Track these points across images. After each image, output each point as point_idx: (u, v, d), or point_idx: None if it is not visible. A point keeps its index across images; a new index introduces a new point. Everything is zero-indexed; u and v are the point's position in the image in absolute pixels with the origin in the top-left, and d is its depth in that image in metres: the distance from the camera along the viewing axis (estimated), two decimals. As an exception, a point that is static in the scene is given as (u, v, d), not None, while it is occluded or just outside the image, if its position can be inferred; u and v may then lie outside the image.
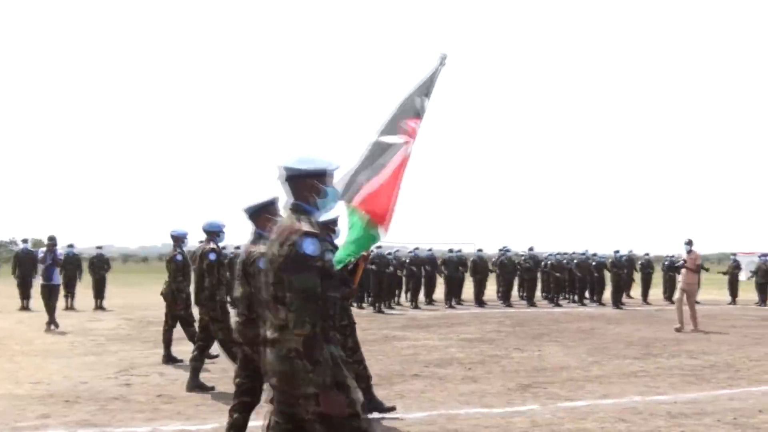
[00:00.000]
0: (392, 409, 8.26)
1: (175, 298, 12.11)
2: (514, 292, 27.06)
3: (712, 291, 30.21)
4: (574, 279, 26.98)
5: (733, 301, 27.42)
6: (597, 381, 10.46)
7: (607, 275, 26.33)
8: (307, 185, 4.24)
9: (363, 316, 20.51)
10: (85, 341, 14.71)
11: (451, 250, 26.70)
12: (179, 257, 12.22)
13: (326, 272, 4.07)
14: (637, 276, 28.45)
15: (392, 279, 24.13)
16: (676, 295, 19.43)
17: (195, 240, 13.76)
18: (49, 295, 17.10)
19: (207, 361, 10.53)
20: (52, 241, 17.48)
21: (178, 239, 12.48)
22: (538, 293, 27.17)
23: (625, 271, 26.67)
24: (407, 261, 25.21)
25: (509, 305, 25.05)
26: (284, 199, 4.47)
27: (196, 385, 9.71)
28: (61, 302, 17.26)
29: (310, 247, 3.99)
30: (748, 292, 28.17)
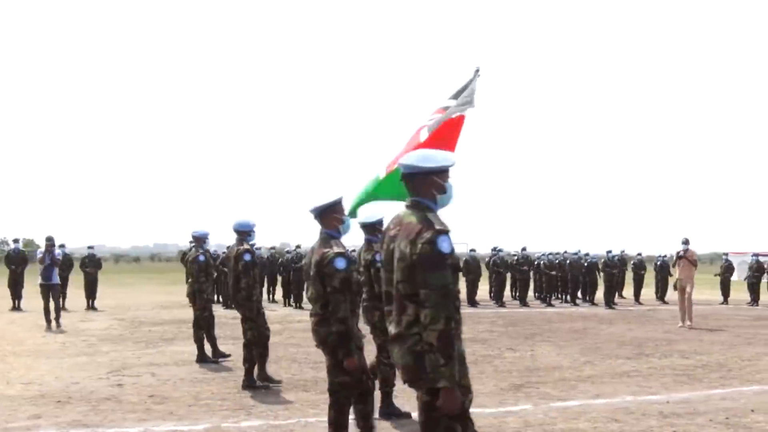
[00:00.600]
0: (407, 415, 8.10)
1: (195, 298, 12.19)
2: (507, 292, 27.10)
3: (705, 291, 30.26)
4: (566, 279, 27.01)
5: (725, 301, 27.50)
6: (589, 381, 10.47)
7: (600, 275, 26.40)
8: (429, 182, 4.28)
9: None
10: (77, 341, 14.68)
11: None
12: (202, 257, 12.33)
13: (456, 268, 4.13)
14: (630, 276, 28.51)
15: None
16: (677, 294, 19.38)
17: (174, 240, 13.81)
18: (49, 295, 17.20)
19: (273, 358, 10.93)
20: (50, 241, 17.51)
21: (200, 239, 12.57)
22: (531, 293, 27.17)
23: (617, 271, 26.75)
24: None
25: (502, 305, 25.07)
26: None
27: (264, 378, 9.96)
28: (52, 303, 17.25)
29: (444, 244, 4.06)
30: (741, 292, 28.26)
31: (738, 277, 31.92)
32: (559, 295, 27.42)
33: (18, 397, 9.17)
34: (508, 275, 27.30)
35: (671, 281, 28.15)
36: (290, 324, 18.00)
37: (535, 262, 27.41)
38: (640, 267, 28.87)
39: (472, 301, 25.21)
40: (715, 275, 28.92)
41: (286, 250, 27.94)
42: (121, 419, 8.09)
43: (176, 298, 24.65)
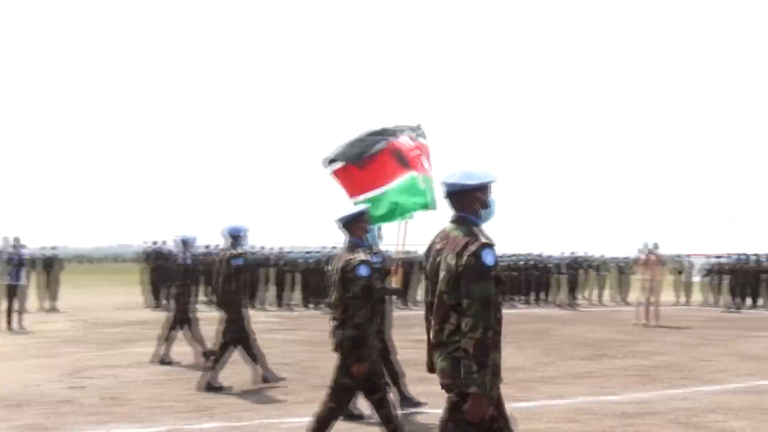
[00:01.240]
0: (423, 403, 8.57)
1: (178, 299, 12.31)
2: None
3: (666, 292, 30.51)
4: (529, 280, 27.12)
5: (686, 302, 27.77)
6: (550, 381, 10.53)
7: (562, 277, 26.56)
8: (473, 198, 4.46)
9: (318, 317, 20.48)
10: (37, 343, 14.53)
11: (407, 252, 26.71)
12: (188, 260, 12.43)
13: (498, 280, 4.27)
14: (591, 277, 28.70)
15: (320, 282, 24.07)
16: (641, 295, 19.77)
17: (137, 241, 13.82)
18: (13, 296, 17.11)
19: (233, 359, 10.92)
20: (17, 242, 17.39)
21: (186, 243, 12.67)
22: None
23: (579, 273, 26.92)
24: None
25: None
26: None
27: (266, 378, 10.10)
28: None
29: (488, 257, 4.23)
30: (698, 293, 28.57)
31: (697, 278, 32.21)
32: (521, 297, 27.54)
33: (-25, 400, 9.06)
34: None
35: (634, 282, 28.46)
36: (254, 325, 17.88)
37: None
38: (602, 269, 29.09)
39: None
40: (677, 275, 29.18)
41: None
42: (81, 422, 8.02)
43: (137, 299, 24.46)
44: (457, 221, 4.46)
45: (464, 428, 4.27)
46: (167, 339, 12.08)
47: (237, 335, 10.04)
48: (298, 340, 15.16)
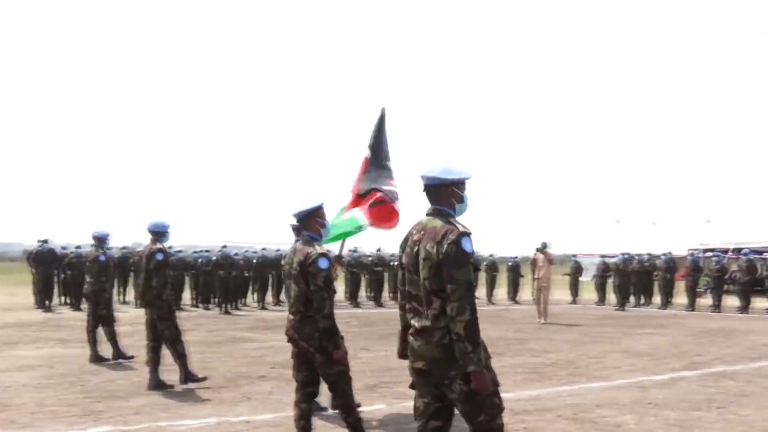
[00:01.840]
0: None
1: (98, 298, 12.26)
2: (362, 292, 27.20)
3: (555, 291, 31.11)
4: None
5: (575, 301, 28.40)
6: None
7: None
8: (449, 192, 4.76)
9: (209, 317, 20.22)
10: None
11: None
12: (102, 257, 12.46)
13: (475, 266, 4.60)
14: (483, 277, 29.05)
15: (239, 280, 23.88)
16: (536, 291, 20.28)
17: (19, 239, 13.56)
18: None
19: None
20: None
21: (101, 240, 12.71)
22: (386, 293, 27.36)
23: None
24: (255, 261, 24.97)
25: (357, 306, 25.16)
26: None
27: (157, 384, 9.80)
28: None
29: (467, 245, 4.53)
30: (589, 292, 29.23)
31: (586, 277, 33.04)
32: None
33: None
34: (363, 275, 27.41)
35: (524, 282, 28.98)
36: (141, 325, 17.51)
37: (390, 263, 27.63)
38: (492, 268, 29.50)
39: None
40: (565, 275, 29.82)
41: (138, 249, 27.11)
42: (-42, 428, 7.68)
43: (21, 300, 23.70)
44: (434, 213, 4.74)
45: (488, 401, 4.57)
46: (93, 340, 12.07)
47: (174, 331, 10.03)
48: (189, 341, 14.83)
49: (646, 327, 18.57)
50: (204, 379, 10.11)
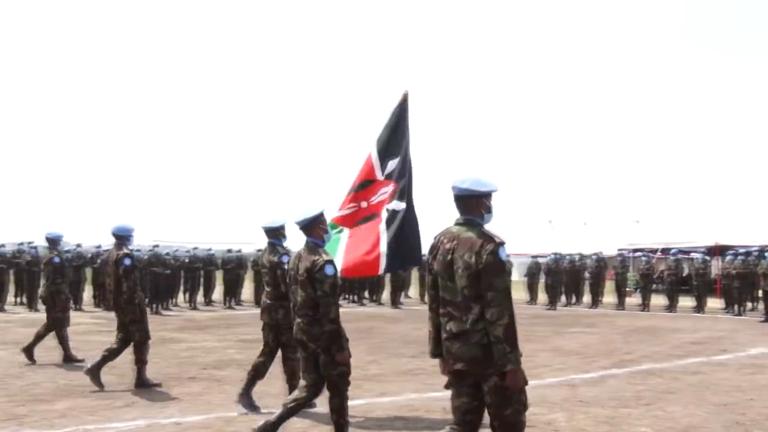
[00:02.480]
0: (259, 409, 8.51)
1: (54, 300, 12.13)
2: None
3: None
4: (354, 279, 27.20)
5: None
6: (375, 380, 10.57)
7: (387, 276, 26.80)
8: (480, 203, 5.08)
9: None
10: None
11: (230, 250, 26.40)
12: (56, 259, 12.40)
13: (509, 273, 4.53)
14: (415, 276, 29.11)
15: (169, 279, 23.54)
16: None
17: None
18: None
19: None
20: None
21: (54, 241, 12.61)
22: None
23: (404, 272, 27.23)
24: (186, 261, 24.69)
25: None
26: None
27: (143, 384, 9.85)
28: None
29: (503, 254, 4.87)
30: (520, 292, 29.48)
31: (517, 277, 33.31)
32: (347, 295, 27.64)
33: None
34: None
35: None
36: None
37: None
38: (424, 268, 29.49)
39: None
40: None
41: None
42: None
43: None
44: (466, 223, 5.06)
45: (516, 398, 4.93)
46: (61, 340, 11.98)
47: (144, 335, 10.01)
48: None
49: (575, 326, 18.79)
50: (159, 384, 9.98)
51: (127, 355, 10.33)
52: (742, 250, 24.67)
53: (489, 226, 5.12)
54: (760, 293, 22.62)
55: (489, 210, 5.13)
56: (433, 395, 9.43)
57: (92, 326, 17.29)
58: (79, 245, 25.36)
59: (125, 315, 10.00)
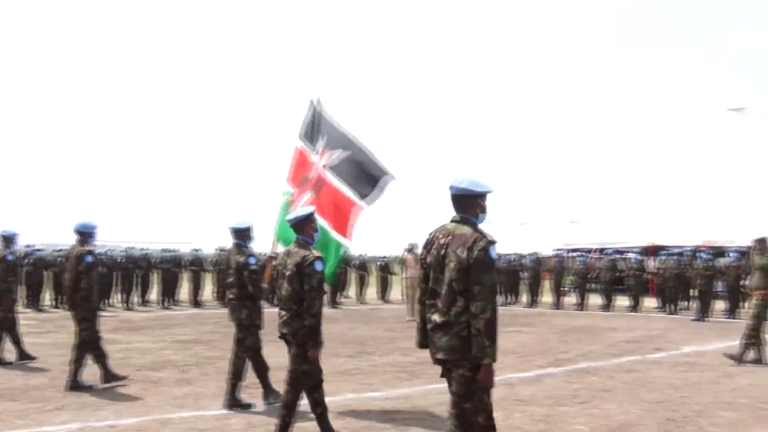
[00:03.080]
0: (250, 405, 8.77)
1: (2, 297, 12.01)
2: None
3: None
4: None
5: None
6: (313, 380, 10.49)
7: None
8: (476, 203, 5.31)
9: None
10: None
11: (166, 250, 26.10)
12: (9, 257, 12.23)
13: (497, 271, 4.65)
14: (352, 276, 29.07)
15: (104, 279, 23.13)
16: (406, 290, 20.60)
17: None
18: None
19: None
20: None
21: (9, 239, 12.43)
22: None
23: (341, 272, 27.18)
24: (121, 260, 24.33)
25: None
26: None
27: (76, 386, 9.72)
28: None
29: (493, 252, 5.10)
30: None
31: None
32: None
33: None
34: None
35: (393, 281, 29.14)
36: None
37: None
38: (362, 267, 29.53)
39: (196, 302, 24.80)
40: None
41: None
42: None
43: None
44: (461, 221, 5.27)
45: (479, 395, 5.08)
46: (15, 340, 12.02)
47: (93, 334, 10.00)
48: (50, 343, 14.38)
49: (513, 325, 18.88)
50: (90, 387, 9.88)
51: (56, 356, 10.13)
52: (675, 251, 25.11)
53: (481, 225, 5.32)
54: (693, 292, 23.03)
55: (483, 210, 5.35)
56: (370, 395, 9.43)
57: (23, 328, 16.92)
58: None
59: (79, 312, 10.00)
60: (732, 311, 21.92)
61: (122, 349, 13.58)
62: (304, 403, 7.08)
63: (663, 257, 25.32)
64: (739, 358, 12.23)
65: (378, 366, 11.76)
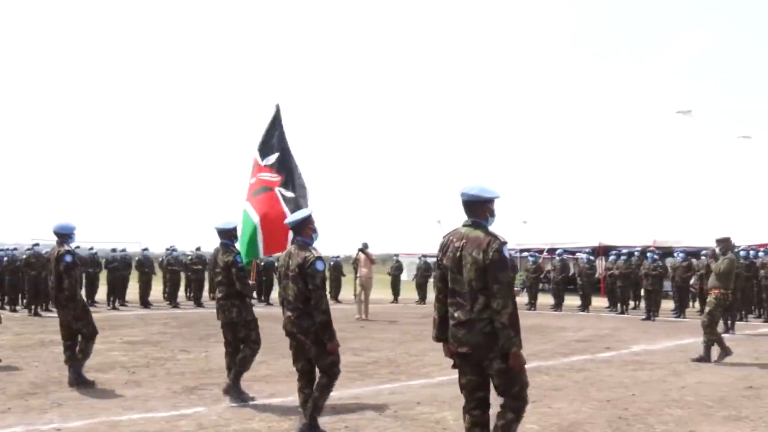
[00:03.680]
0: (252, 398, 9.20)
1: None
2: (181, 292, 26.59)
3: (377, 290, 31.44)
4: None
5: (396, 300, 28.73)
6: (264, 380, 10.46)
7: (274, 275, 26.58)
8: (485, 208, 5.75)
9: (17, 320, 19.26)
10: None
11: (114, 250, 25.81)
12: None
13: (513, 269, 4.75)
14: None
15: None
16: (357, 290, 20.66)
17: None
18: None
19: None
20: None
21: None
22: (206, 293, 26.80)
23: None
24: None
25: (176, 306, 24.60)
26: None
27: (80, 381, 9.87)
28: None
29: (506, 251, 5.53)
30: (410, 291, 29.64)
31: (407, 276, 33.53)
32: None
33: None
34: (183, 275, 26.80)
35: (345, 281, 29.11)
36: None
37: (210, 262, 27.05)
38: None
39: (145, 302, 24.55)
40: (388, 274, 30.13)
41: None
42: None
43: None
44: (473, 225, 5.70)
45: (520, 377, 5.68)
46: None
47: (92, 329, 10.14)
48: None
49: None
50: (92, 382, 9.98)
51: (7, 359, 9.92)
52: (625, 251, 25.36)
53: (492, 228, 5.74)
54: (642, 292, 23.29)
55: (493, 214, 5.77)
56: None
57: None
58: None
59: (67, 312, 10.10)
60: (680, 310, 22.25)
61: (69, 350, 13.37)
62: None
63: (612, 257, 25.56)
64: (707, 358, 12.45)
65: (329, 366, 11.70)
